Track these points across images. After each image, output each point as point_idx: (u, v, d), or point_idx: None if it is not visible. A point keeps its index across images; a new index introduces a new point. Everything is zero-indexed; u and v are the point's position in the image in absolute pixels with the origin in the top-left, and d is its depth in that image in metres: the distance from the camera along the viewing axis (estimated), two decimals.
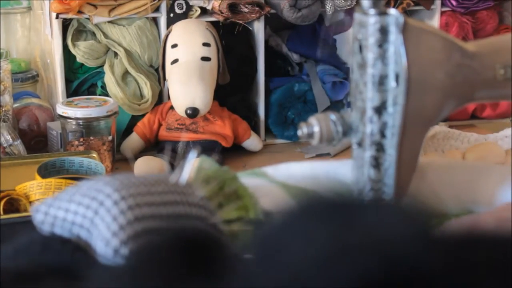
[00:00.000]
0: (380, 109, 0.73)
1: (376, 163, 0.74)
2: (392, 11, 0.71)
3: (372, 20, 0.71)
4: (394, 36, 0.71)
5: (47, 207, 0.60)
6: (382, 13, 0.71)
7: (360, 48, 0.73)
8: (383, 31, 0.71)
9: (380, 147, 0.74)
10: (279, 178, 0.84)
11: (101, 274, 0.49)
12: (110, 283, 0.46)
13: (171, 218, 0.58)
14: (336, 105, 1.51)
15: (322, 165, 0.86)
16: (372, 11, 0.71)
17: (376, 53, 0.72)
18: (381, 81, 0.72)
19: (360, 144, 0.75)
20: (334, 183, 0.83)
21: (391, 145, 0.73)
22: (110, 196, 0.58)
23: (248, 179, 0.81)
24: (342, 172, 0.84)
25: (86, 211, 0.58)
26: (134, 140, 1.41)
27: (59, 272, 0.53)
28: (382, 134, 0.73)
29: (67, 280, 0.51)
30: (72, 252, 0.56)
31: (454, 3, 1.54)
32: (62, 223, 0.59)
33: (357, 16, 0.73)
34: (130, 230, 0.56)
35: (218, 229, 0.61)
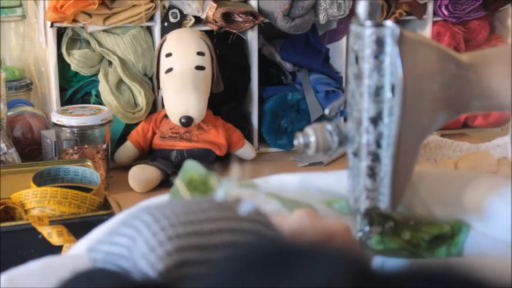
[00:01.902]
0: (376, 120, 0.73)
1: (372, 173, 0.75)
2: (388, 22, 0.72)
3: (368, 31, 0.72)
4: (390, 48, 0.72)
5: (99, 244, 0.59)
6: (378, 25, 0.72)
7: (356, 59, 0.74)
8: (379, 43, 0.72)
9: (376, 157, 0.75)
10: (270, 189, 0.84)
11: None
12: None
13: (215, 234, 0.57)
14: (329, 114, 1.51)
15: (313, 177, 0.86)
16: (368, 23, 0.72)
17: (372, 64, 0.72)
18: (377, 92, 0.73)
19: (356, 154, 0.76)
20: (325, 195, 0.84)
21: (386, 155, 0.74)
22: (150, 226, 0.57)
23: (239, 190, 0.81)
24: (333, 183, 0.85)
25: (124, 240, 0.57)
26: (128, 149, 1.42)
27: None
28: (378, 144, 0.74)
29: None
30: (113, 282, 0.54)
31: (446, 13, 1.55)
32: (106, 257, 0.58)
33: (353, 27, 0.74)
34: (168, 246, 0.55)
35: (278, 238, 0.60)
